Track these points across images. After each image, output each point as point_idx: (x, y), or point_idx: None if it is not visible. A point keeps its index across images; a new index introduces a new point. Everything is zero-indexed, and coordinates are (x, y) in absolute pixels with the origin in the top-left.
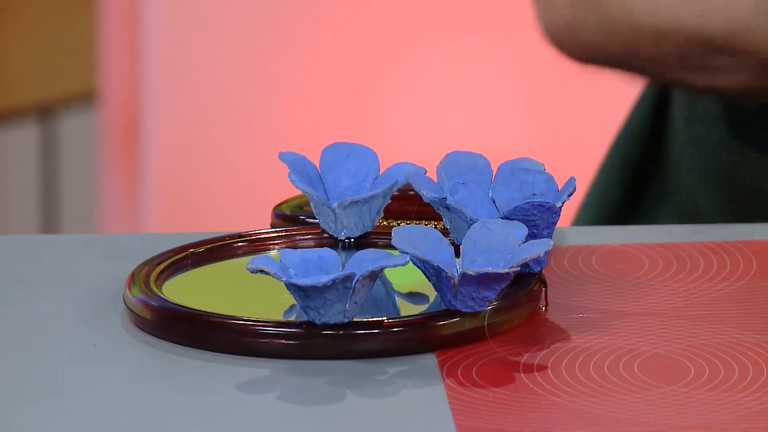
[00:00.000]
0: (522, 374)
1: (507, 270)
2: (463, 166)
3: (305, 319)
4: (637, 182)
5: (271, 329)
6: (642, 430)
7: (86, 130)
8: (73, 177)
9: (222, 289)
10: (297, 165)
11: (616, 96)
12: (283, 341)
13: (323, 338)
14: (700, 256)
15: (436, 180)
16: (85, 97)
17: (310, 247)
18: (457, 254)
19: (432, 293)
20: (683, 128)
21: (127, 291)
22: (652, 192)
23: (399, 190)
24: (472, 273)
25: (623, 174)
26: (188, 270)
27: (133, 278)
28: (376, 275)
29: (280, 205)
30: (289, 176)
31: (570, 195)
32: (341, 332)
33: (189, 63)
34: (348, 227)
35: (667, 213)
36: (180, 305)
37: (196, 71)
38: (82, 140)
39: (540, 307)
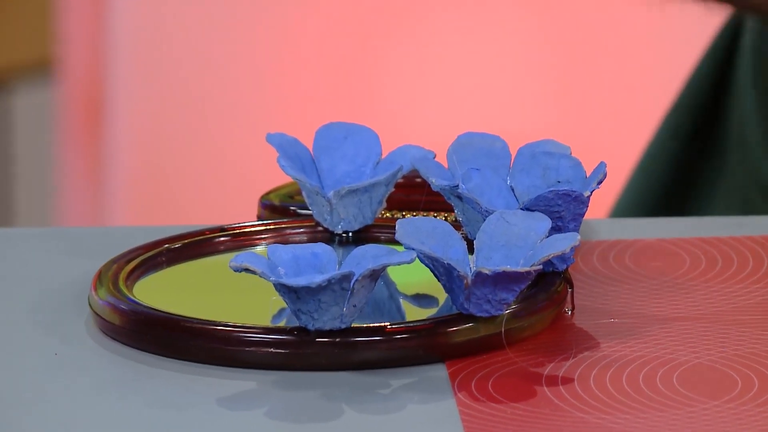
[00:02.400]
0: (545, 387)
1: (527, 269)
2: (477, 149)
3: (297, 324)
4: (690, 157)
5: (257, 336)
6: None
7: (43, 106)
8: (28, 161)
9: (202, 290)
10: (287, 148)
11: (654, 70)
12: (272, 350)
13: (317, 346)
14: (748, 253)
15: (446, 165)
16: (42, 68)
17: (302, 243)
18: (471, 250)
19: (442, 295)
20: (750, 95)
21: (93, 292)
22: (707, 169)
23: (404, 177)
24: (487, 272)
25: (675, 146)
26: (163, 269)
27: (99, 278)
28: (377, 274)
29: (267, 194)
30: (277, 161)
31: (600, 182)
32: (338, 340)
33: (162, 29)
34: (345, 219)
35: (724, 195)
36: (154, 309)
37: (171, 38)
38: (39, 118)
39: (565, 311)
